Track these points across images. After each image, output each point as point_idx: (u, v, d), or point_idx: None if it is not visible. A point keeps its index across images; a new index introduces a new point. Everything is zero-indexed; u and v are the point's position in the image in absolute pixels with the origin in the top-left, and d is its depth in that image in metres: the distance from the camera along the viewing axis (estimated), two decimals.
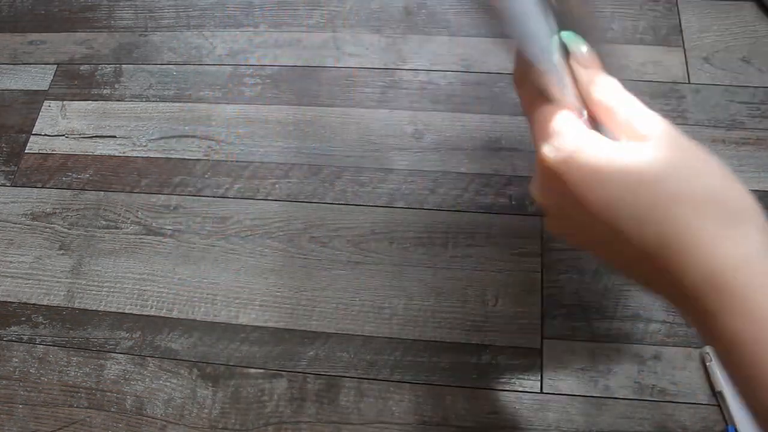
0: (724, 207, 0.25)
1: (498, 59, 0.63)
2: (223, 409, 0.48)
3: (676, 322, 0.49)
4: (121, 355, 0.51)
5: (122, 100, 0.64)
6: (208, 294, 0.53)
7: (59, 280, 0.55)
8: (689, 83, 0.60)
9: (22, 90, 0.66)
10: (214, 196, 0.58)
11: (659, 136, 0.29)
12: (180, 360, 0.51)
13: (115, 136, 0.62)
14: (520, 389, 0.48)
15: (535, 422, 0.46)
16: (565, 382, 0.48)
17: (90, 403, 0.50)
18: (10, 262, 0.56)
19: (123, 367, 0.51)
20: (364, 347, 0.50)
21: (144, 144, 0.61)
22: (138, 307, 0.53)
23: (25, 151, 0.62)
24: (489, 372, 0.48)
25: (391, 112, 0.61)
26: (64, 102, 0.65)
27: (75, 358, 0.51)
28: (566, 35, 0.30)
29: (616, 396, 0.47)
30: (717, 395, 0.46)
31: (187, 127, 0.62)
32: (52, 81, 0.66)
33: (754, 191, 0.55)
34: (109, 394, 0.50)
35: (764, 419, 0.26)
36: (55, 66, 0.67)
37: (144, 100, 0.64)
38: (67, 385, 0.50)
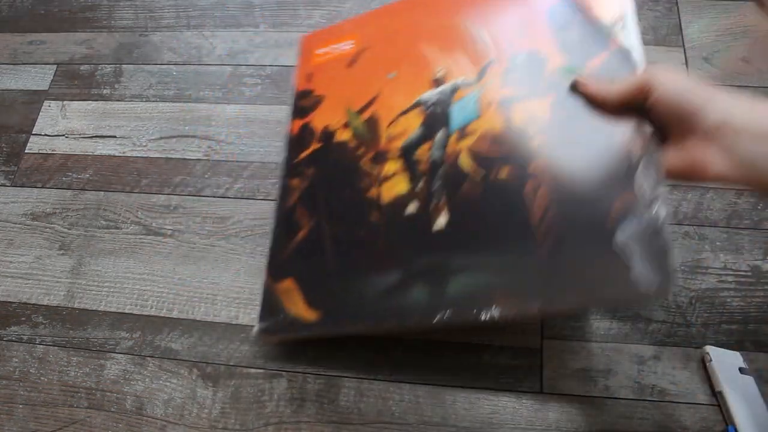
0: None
1: None
2: (223, 409, 0.48)
3: (676, 322, 0.49)
4: (121, 355, 0.51)
5: (122, 100, 0.64)
6: (208, 294, 0.53)
7: (59, 280, 0.55)
8: None
9: (22, 90, 0.66)
10: (214, 196, 0.58)
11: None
12: (180, 360, 0.51)
13: (115, 136, 0.62)
14: (520, 389, 0.48)
15: (535, 422, 0.46)
16: (565, 382, 0.48)
17: (90, 403, 0.49)
18: (10, 262, 0.56)
19: (123, 367, 0.51)
20: (364, 347, 0.50)
21: (144, 144, 0.61)
22: (138, 307, 0.53)
23: (25, 151, 0.62)
24: (489, 372, 0.48)
25: None
26: (64, 102, 0.65)
27: (75, 358, 0.51)
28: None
29: (616, 396, 0.47)
30: (717, 395, 0.46)
31: (187, 127, 0.62)
32: (52, 81, 0.66)
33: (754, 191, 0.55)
34: (109, 394, 0.50)
35: None
36: (55, 66, 0.67)
37: (144, 100, 0.64)
38: (67, 385, 0.50)
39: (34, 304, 0.54)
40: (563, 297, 0.40)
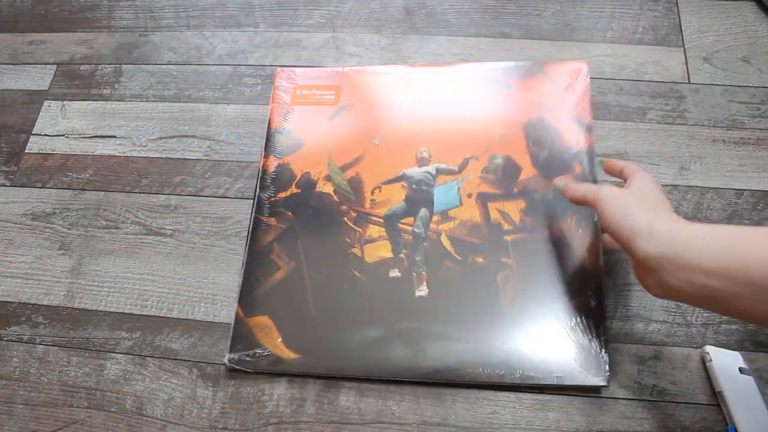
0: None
1: (497, 59, 0.63)
2: (223, 409, 0.48)
3: (676, 322, 0.49)
4: (121, 355, 0.51)
5: (122, 100, 0.64)
6: (208, 294, 0.53)
7: (59, 280, 0.55)
8: (689, 83, 0.60)
9: (22, 90, 0.66)
10: (214, 196, 0.58)
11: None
12: (180, 360, 0.51)
13: (115, 136, 0.62)
14: (520, 390, 0.48)
15: (535, 422, 0.46)
16: None
17: (90, 403, 0.49)
18: (10, 262, 0.56)
19: (123, 367, 0.51)
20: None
21: (144, 144, 0.61)
22: (138, 307, 0.53)
23: (25, 151, 0.62)
24: None
25: None
26: (64, 102, 0.65)
27: (75, 358, 0.51)
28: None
29: (616, 396, 0.47)
30: (717, 395, 0.46)
31: (187, 127, 0.62)
32: (52, 81, 0.66)
33: (754, 191, 0.55)
34: (109, 394, 0.50)
35: None
36: (55, 66, 0.67)
37: (144, 100, 0.64)
38: (67, 385, 0.50)
39: (34, 304, 0.54)
40: (524, 373, 0.47)
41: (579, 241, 0.51)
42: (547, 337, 0.48)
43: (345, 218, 0.54)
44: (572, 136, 0.55)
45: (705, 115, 0.58)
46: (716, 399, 0.46)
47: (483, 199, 0.54)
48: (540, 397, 0.47)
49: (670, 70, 0.61)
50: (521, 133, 0.56)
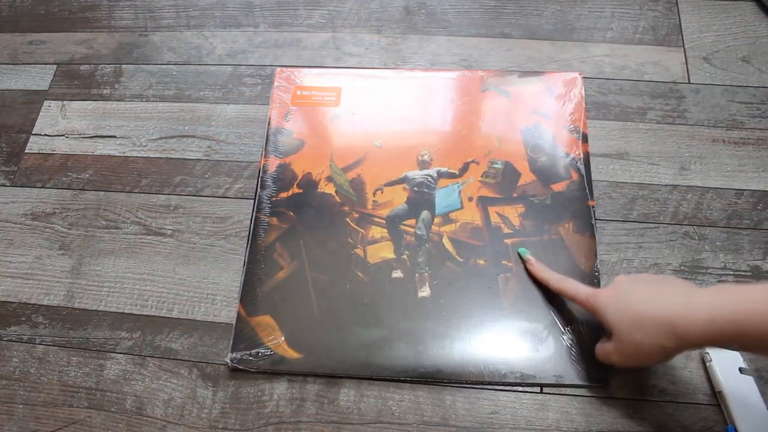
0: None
1: (497, 59, 0.63)
2: (223, 409, 0.48)
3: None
4: (121, 355, 0.51)
5: (122, 100, 0.64)
6: (208, 294, 0.53)
7: (59, 280, 0.55)
8: (689, 83, 0.60)
9: (22, 90, 0.66)
10: (214, 196, 0.58)
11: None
12: (180, 360, 0.51)
13: (115, 136, 0.62)
14: (520, 389, 0.48)
15: (535, 422, 0.46)
16: None
17: (90, 403, 0.49)
18: (10, 262, 0.56)
19: (123, 367, 0.51)
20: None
21: (144, 144, 0.61)
22: (138, 307, 0.53)
23: (25, 151, 0.62)
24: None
25: None
26: (64, 102, 0.65)
27: (75, 358, 0.51)
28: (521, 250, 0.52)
29: (616, 396, 0.47)
30: (717, 395, 0.46)
31: (187, 127, 0.62)
32: (52, 81, 0.66)
33: (754, 191, 0.55)
34: (109, 394, 0.50)
35: None
36: (55, 66, 0.67)
37: (144, 100, 0.64)
38: (67, 385, 0.50)
39: (34, 304, 0.54)
40: (524, 373, 0.47)
41: (576, 244, 0.52)
42: (547, 338, 0.48)
43: (347, 219, 0.54)
44: (568, 144, 0.56)
45: (705, 115, 0.58)
46: (716, 399, 0.46)
47: (483, 203, 0.54)
48: (540, 397, 0.47)
49: (670, 70, 0.61)
50: (520, 139, 0.57)
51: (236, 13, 0.69)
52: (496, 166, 0.56)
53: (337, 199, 0.55)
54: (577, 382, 0.47)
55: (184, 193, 0.58)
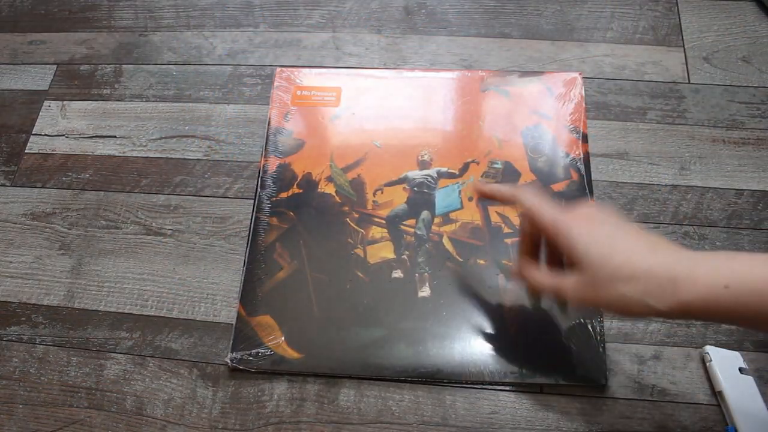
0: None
1: (497, 59, 0.63)
2: (223, 409, 0.48)
3: (676, 322, 0.49)
4: (121, 355, 0.51)
5: (122, 100, 0.64)
6: (208, 294, 0.53)
7: (59, 280, 0.55)
8: (689, 83, 0.60)
9: (22, 90, 0.66)
10: (214, 196, 0.58)
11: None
12: (180, 360, 0.51)
13: (115, 136, 0.62)
14: (520, 389, 0.48)
15: (535, 422, 0.46)
16: None
17: (90, 403, 0.49)
18: (10, 262, 0.56)
19: (123, 367, 0.51)
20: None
21: (144, 144, 0.61)
22: (138, 307, 0.53)
23: (25, 151, 0.62)
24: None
25: None
26: (64, 102, 0.65)
27: (75, 358, 0.51)
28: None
29: (616, 396, 0.47)
30: (717, 395, 0.46)
31: (187, 127, 0.62)
32: (52, 81, 0.66)
33: (754, 191, 0.55)
34: (109, 394, 0.50)
35: None
36: (55, 66, 0.67)
37: (144, 100, 0.64)
38: (67, 385, 0.50)
39: (34, 304, 0.54)
40: (524, 372, 0.47)
41: None
42: (547, 338, 0.48)
43: (347, 219, 0.54)
44: (568, 144, 0.56)
45: (705, 115, 0.58)
46: (716, 399, 0.46)
47: (483, 203, 0.54)
48: (540, 397, 0.47)
49: (670, 70, 0.61)
50: (520, 139, 0.57)
51: (236, 13, 0.69)
52: (496, 166, 0.56)
53: (337, 199, 0.55)
54: (577, 382, 0.47)
55: (184, 193, 0.58)
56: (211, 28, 0.68)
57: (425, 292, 0.51)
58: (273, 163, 0.57)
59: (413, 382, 0.48)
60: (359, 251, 0.53)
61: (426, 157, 0.57)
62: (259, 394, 0.49)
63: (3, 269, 0.56)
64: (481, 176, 0.55)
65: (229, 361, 0.49)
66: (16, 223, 0.58)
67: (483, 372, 0.47)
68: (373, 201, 0.55)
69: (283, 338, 0.50)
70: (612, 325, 0.49)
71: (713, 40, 0.62)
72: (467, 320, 0.49)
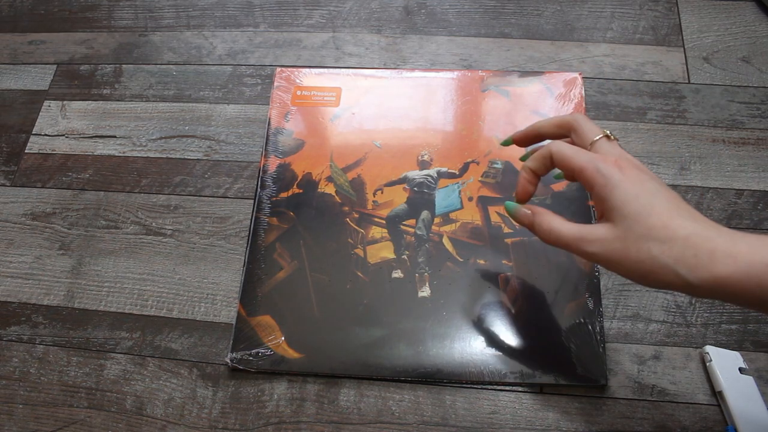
0: None
1: (497, 59, 0.63)
2: (223, 409, 0.48)
3: (676, 322, 0.49)
4: (121, 355, 0.51)
5: (122, 100, 0.64)
6: (208, 294, 0.53)
7: (59, 280, 0.55)
8: (689, 83, 0.60)
9: (22, 90, 0.66)
10: (214, 196, 0.58)
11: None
12: (180, 360, 0.51)
13: (115, 136, 0.62)
14: (520, 389, 0.48)
15: (535, 422, 0.46)
16: None
17: (90, 403, 0.49)
18: (10, 262, 0.56)
19: (123, 367, 0.51)
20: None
21: (144, 144, 0.61)
22: (138, 307, 0.53)
23: (25, 151, 0.62)
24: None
25: None
26: (64, 102, 0.65)
27: (75, 358, 0.51)
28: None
29: (616, 396, 0.47)
30: (717, 395, 0.46)
31: (187, 127, 0.62)
32: (52, 81, 0.66)
33: (754, 191, 0.55)
34: (109, 394, 0.50)
35: None
36: (55, 66, 0.67)
37: (144, 100, 0.64)
38: (67, 385, 0.50)
39: (34, 304, 0.54)
40: (524, 372, 0.47)
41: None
42: (547, 338, 0.48)
43: (347, 219, 0.54)
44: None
45: (705, 115, 0.58)
46: (716, 399, 0.46)
47: (483, 203, 0.54)
48: (540, 397, 0.47)
49: (670, 70, 0.61)
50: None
51: (236, 13, 0.69)
52: (496, 166, 0.56)
53: (337, 199, 0.55)
54: (577, 382, 0.47)
55: (184, 193, 0.58)
56: (211, 28, 0.68)
57: (425, 292, 0.51)
58: (273, 163, 0.57)
59: (413, 382, 0.48)
60: (359, 251, 0.53)
61: (426, 157, 0.57)
62: (259, 394, 0.49)
63: (3, 269, 0.56)
64: (481, 176, 0.55)
65: (229, 361, 0.49)
66: (16, 223, 0.58)
67: (483, 372, 0.47)
68: (373, 201, 0.55)
69: (283, 338, 0.50)
70: (612, 325, 0.49)
71: (713, 40, 0.62)
72: (467, 320, 0.49)
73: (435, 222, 0.53)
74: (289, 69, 0.63)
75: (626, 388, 0.47)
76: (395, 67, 0.63)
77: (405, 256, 0.52)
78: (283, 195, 0.56)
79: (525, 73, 0.61)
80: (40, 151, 0.62)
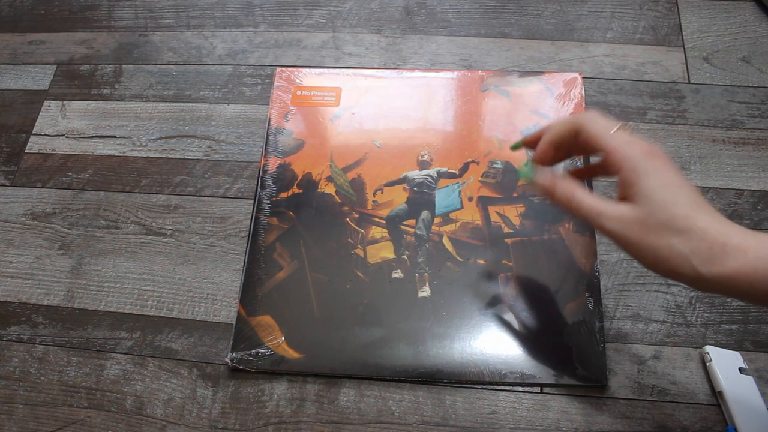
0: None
1: (497, 59, 0.63)
2: (223, 409, 0.48)
3: (676, 322, 0.49)
4: (121, 355, 0.51)
5: (122, 100, 0.64)
6: (208, 294, 0.53)
7: (59, 280, 0.55)
8: (689, 83, 0.60)
9: (22, 90, 0.66)
10: (214, 196, 0.58)
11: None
12: (180, 360, 0.51)
13: (115, 136, 0.62)
14: (520, 389, 0.48)
15: (535, 422, 0.46)
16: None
17: (90, 403, 0.49)
18: (10, 262, 0.56)
19: (123, 367, 0.51)
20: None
21: (144, 144, 0.61)
22: (138, 307, 0.53)
23: (25, 151, 0.62)
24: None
25: None
26: (64, 102, 0.65)
27: (75, 358, 0.51)
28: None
29: (616, 396, 0.47)
30: (717, 395, 0.46)
31: (187, 127, 0.62)
32: (52, 81, 0.66)
33: (754, 191, 0.55)
34: (109, 394, 0.50)
35: None
36: (55, 66, 0.67)
37: (144, 100, 0.64)
38: (67, 385, 0.50)
39: (34, 304, 0.54)
40: (524, 372, 0.47)
41: (576, 244, 0.52)
42: (547, 338, 0.48)
43: (347, 219, 0.54)
44: None
45: (705, 115, 0.58)
46: (716, 399, 0.46)
47: (483, 203, 0.54)
48: (540, 397, 0.47)
49: (670, 70, 0.61)
50: (518, 137, 0.57)
51: (236, 13, 0.69)
52: (496, 166, 0.56)
53: (337, 199, 0.55)
54: (577, 382, 0.47)
55: (184, 193, 0.58)
56: (211, 28, 0.68)
57: (425, 292, 0.51)
58: (273, 163, 0.57)
59: (413, 382, 0.48)
60: (359, 251, 0.53)
61: (426, 157, 0.57)
62: (259, 394, 0.49)
63: (3, 269, 0.56)
64: (481, 176, 0.55)
65: (229, 361, 0.49)
66: (16, 223, 0.58)
67: (483, 372, 0.47)
68: (373, 201, 0.55)
69: (283, 338, 0.50)
70: (612, 325, 0.49)
71: (713, 40, 0.62)
72: (467, 320, 0.49)
73: (435, 222, 0.54)
74: (289, 69, 0.63)
75: (626, 388, 0.47)
76: (395, 67, 0.63)
77: (405, 256, 0.52)
78: (283, 195, 0.56)
79: (525, 73, 0.61)
80: (40, 151, 0.62)
